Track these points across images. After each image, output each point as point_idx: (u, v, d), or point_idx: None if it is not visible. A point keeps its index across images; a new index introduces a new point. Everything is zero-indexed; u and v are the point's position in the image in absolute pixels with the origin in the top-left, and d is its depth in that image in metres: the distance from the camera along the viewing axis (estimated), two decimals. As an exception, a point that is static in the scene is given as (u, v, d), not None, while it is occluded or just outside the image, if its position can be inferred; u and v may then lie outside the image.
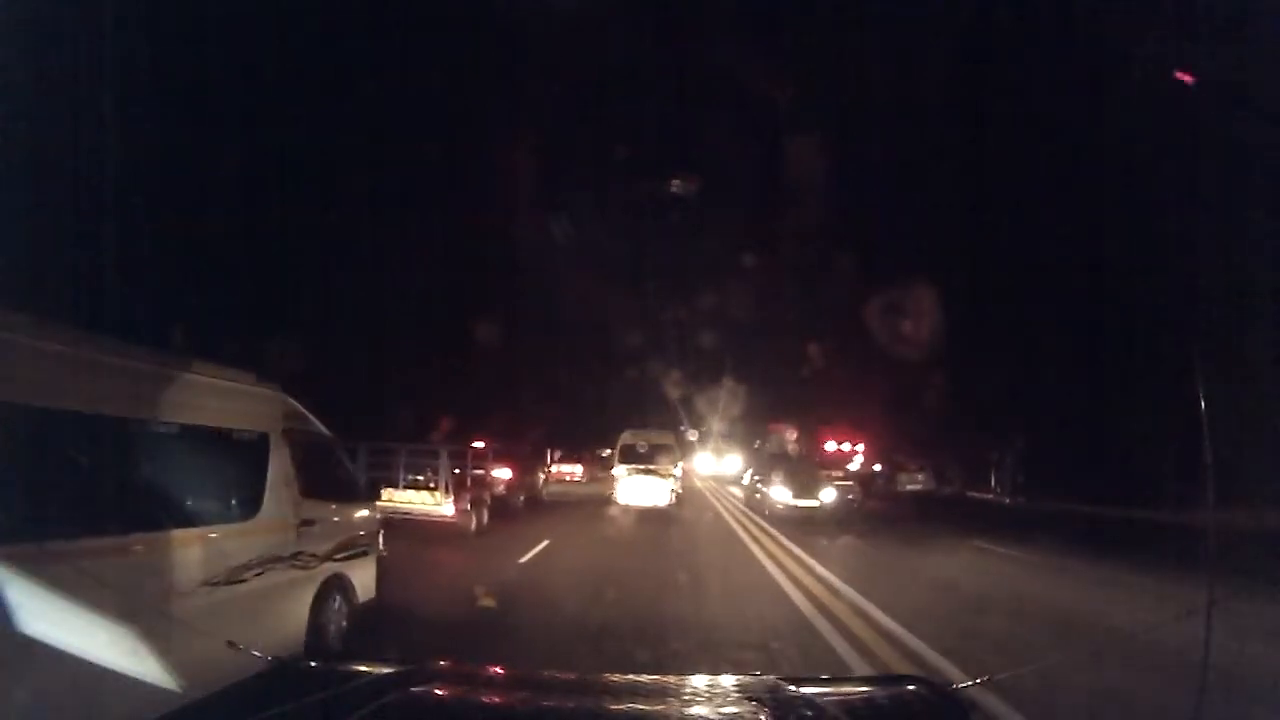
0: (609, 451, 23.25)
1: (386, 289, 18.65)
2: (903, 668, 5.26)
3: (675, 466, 18.46)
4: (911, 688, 2.01)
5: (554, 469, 28.88)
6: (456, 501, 11.98)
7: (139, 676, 2.26)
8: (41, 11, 8.09)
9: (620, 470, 18.10)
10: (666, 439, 19.57)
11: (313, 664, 2.03)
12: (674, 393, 31.15)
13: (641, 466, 17.83)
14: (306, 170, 15.12)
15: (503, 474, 16.14)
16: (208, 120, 12.51)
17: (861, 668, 5.23)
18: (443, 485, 11.99)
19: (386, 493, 11.33)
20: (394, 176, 18.58)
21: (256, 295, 14.41)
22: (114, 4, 9.22)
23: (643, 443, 18.62)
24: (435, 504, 12.00)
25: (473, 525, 12.49)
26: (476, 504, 12.79)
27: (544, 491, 20.74)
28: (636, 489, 17.13)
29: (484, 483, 14.01)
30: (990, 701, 4.04)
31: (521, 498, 17.14)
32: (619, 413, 27.68)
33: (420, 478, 12.13)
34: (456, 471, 12.61)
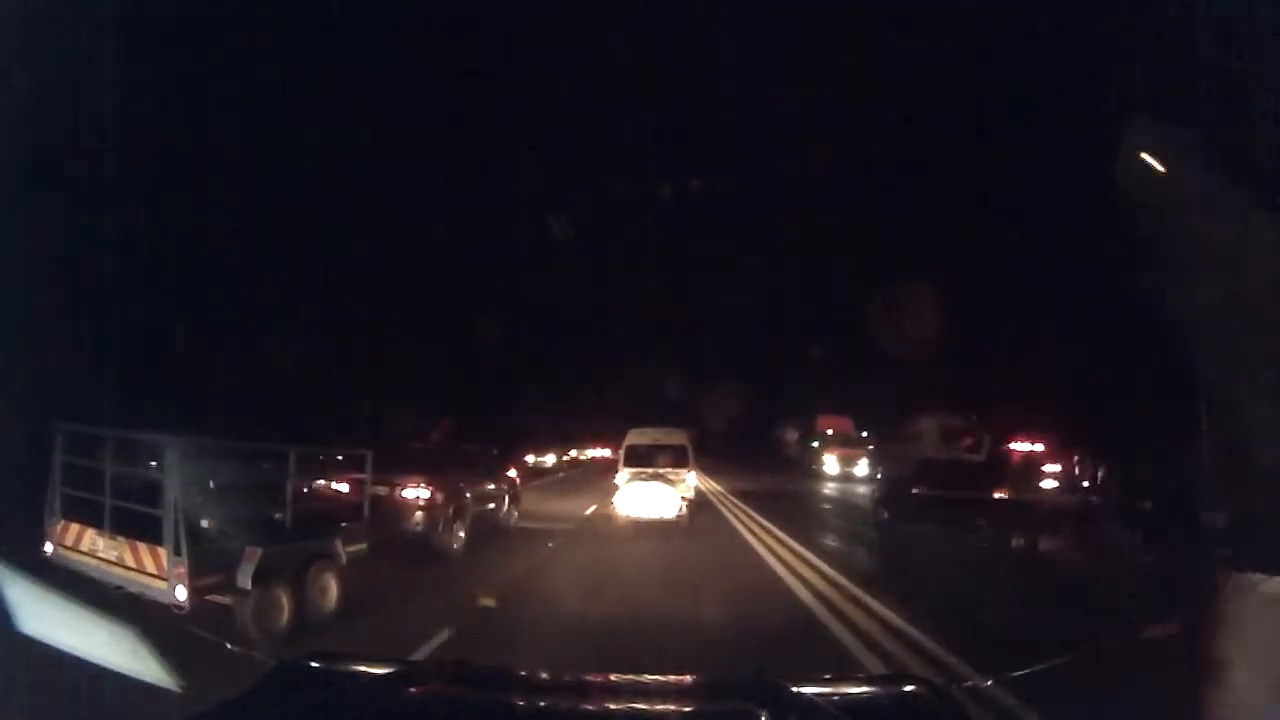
0: (609, 453, 21.67)
1: (387, 288, 18.60)
2: None
3: (688, 472, 16.47)
4: (911, 687, 2.01)
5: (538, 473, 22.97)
6: (195, 574, 5.16)
7: (139, 676, 2.26)
8: (41, 10, 8.11)
9: (622, 476, 15.95)
10: (678, 438, 17.41)
11: (313, 664, 2.03)
12: (702, 394, 26.94)
13: (647, 471, 15.85)
14: (306, 169, 15.14)
15: (417, 494, 10.16)
16: (207, 118, 12.54)
17: None
18: (168, 533, 5.19)
19: (87, 539, 5.63)
20: (395, 175, 18.54)
21: (255, 294, 14.41)
22: (113, 1, 9.24)
23: (648, 442, 16.91)
24: (151, 575, 5.27)
25: (281, 621, 5.81)
26: (293, 572, 6.03)
27: (514, 513, 14.14)
28: (639, 498, 15.05)
29: (340, 518, 7.09)
30: (991, 701, 4.05)
31: (461, 532, 10.98)
32: (633, 415, 25.18)
33: (141, 511, 5.44)
34: (302, 493, 6.61)
